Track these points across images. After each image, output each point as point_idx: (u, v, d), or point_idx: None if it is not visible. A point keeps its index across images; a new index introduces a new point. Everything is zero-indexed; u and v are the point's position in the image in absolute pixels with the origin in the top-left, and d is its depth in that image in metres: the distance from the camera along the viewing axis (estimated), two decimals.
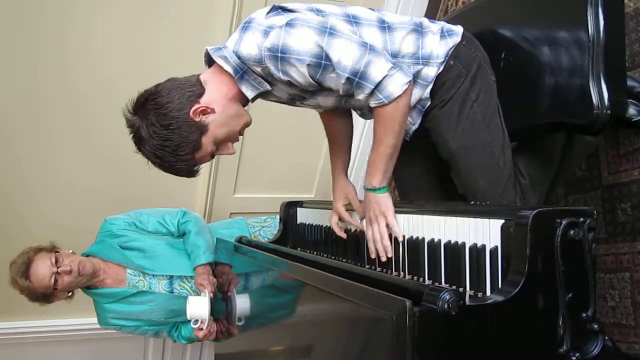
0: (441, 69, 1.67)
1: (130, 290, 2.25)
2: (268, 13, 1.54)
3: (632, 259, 1.90)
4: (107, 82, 2.66)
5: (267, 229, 2.60)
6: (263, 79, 1.57)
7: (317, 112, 1.89)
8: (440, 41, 1.67)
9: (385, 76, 1.45)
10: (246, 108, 1.65)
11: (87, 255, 2.28)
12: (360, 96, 1.50)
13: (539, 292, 1.10)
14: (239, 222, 2.65)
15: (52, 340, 3.10)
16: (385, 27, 1.62)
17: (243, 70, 1.55)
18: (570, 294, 1.12)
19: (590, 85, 1.54)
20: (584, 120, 1.57)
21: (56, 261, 2.14)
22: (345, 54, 1.45)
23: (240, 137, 1.68)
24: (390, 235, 1.58)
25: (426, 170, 1.96)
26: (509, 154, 1.72)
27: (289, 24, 1.47)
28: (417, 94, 1.67)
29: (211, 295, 2.13)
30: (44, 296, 2.15)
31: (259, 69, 1.54)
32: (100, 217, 2.41)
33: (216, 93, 1.57)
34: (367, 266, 1.71)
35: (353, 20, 1.60)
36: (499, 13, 1.89)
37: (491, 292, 1.21)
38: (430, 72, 1.66)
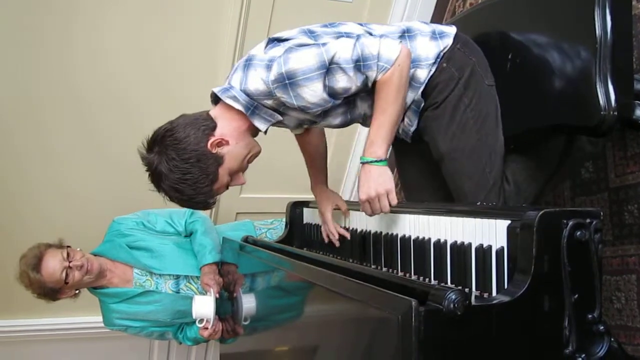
0: (433, 70, 1.71)
1: (136, 289, 2.25)
2: (266, 47, 1.62)
3: (638, 261, 1.90)
4: (112, 83, 2.68)
5: (274, 231, 2.60)
6: (275, 111, 1.64)
7: (294, 133, 1.98)
8: (431, 42, 1.71)
9: (379, 47, 1.54)
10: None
11: (95, 255, 2.29)
12: (372, 76, 1.56)
13: (545, 293, 1.10)
14: (245, 224, 2.66)
15: (57, 339, 3.12)
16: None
17: (254, 106, 1.61)
18: (576, 295, 1.12)
19: (597, 86, 1.54)
20: (590, 121, 1.56)
21: (67, 256, 2.15)
22: (342, 50, 1.54)
23: None
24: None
25: (430, 170, 1.96)
26: (497, 161, 1.74)
27: (287, 51, 1.54)
28: (410, 95, 1.72)
29: (217, 294, 2.14)
30: (52, 291, 2.15)
31: (269, 102, 1.60)
32: (106, 218, 2.41)
33: (228, 127, 1.63)
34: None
35: (345, 36, 1.66)
36: (507, 14, 1.89)
37: (497, 293, 1.21)
38: (421, 74, 1.70)
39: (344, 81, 1.57)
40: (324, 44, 1.55)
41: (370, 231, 1.76)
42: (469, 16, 2.13)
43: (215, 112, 1.66)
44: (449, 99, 1.70)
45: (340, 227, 1.91)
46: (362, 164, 1.61)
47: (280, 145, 3.07)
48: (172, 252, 2.32)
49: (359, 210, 1.77)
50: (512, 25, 1.84)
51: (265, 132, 1.69)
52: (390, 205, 1.57)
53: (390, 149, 1.67)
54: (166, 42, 2.68)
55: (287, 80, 1.53)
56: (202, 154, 1.58)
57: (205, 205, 1.68)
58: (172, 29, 2.67)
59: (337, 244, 1.91)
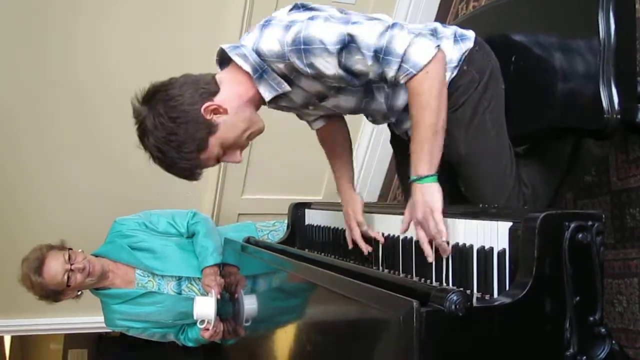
0: (455, 73, 1.67)
1: (138, 290, 2.26)
2: (290, 10, 1.53)
3: None
4: (114, 83, 2.68)
5: (276, 233, 2.61)
6: (283, 79, 1.54)
7: (313, 130, 1.90)
8: (454, 46, 1.68)
9: (408, 45, 1.39)
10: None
11: (97, 256, 2.29)
12: (390, 73, 1.43)
13: (546, 295, 1.10)
14: (247, 226, 2.66)
15: None
16: None
17: (262, 69, 1.51)
18: (578, 298, 1.12)
19: (601, 89, 1.54)
20: (594, 125, 1.56)
21: (69, 258, 2.15)
22: (367, 33, 1.41)
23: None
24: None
25: None
26: (514, 164, 1.72)
27: (311, 18, 1.45)
28: None
29: (218, 296, 2.14)
30: (54, 293, 2.16)
31: (281, 66, 1.50)
32: (107, 219, 2.42)
33: (231, 94, 1.52)
34: (382, 269, 1.71)
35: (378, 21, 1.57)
36: (510, 17, 1.89)
37: (498, 295, 1.21)
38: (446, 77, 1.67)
39: (361, 64, 1.45)
40: (353, 22, 1.44)
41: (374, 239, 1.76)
42: (472, 19, 2.14)
43: (221, 75, 1.56)
44: (469, 101, 1.66)
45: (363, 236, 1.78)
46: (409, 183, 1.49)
47: (282, 146, 3.09)
48: (174, 254, 2.33)
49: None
50: (515, 27, 1.84)
51: (269, 103, 1.59)
52: (437, 227, 1.39)
53: (392, 152, 1.62)
54: (168, 41, 2.68)
55: (303, 46, 1.42)
56: (193, 116, 1.46)
57: (190, 174, 1.54)
58: (174, 28, 2.68)
59: (350, 245, 1.81)
